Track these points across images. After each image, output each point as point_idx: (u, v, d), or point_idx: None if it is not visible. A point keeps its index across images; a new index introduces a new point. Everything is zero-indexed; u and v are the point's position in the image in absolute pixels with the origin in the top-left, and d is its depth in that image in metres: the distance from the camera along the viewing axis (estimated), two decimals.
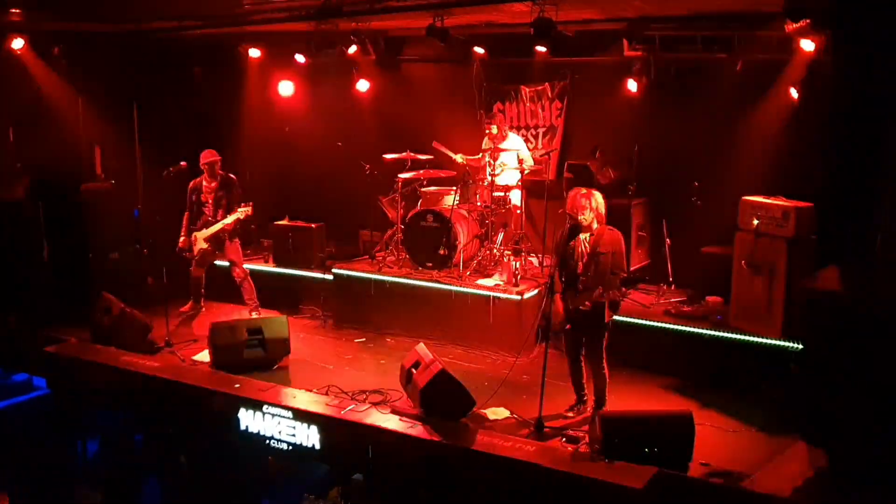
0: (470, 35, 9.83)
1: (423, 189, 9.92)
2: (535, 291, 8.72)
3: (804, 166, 8.10)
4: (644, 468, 5.92)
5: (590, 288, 6.70)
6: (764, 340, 7.58)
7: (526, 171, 9.45)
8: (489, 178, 9.34)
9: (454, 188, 9.42)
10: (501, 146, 9.66)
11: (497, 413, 7.13)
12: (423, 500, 6.70)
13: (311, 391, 7.59)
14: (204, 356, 8.46)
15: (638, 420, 6.36)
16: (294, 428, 7.15)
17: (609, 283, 6.68)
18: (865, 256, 7.25)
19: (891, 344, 5.75)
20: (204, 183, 9.44)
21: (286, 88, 11.16)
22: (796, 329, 7.27)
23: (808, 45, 7.78)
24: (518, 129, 10.58)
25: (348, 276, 9.70)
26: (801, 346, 6.99)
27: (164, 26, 10.00)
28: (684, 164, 9.14)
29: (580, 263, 6.80)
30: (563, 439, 6.61)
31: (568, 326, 6.90)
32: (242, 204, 9.24)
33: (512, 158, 9.59)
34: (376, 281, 9.45)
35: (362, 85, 10.64)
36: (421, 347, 7.30)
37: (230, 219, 9.28)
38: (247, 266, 9.88)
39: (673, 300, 8.88)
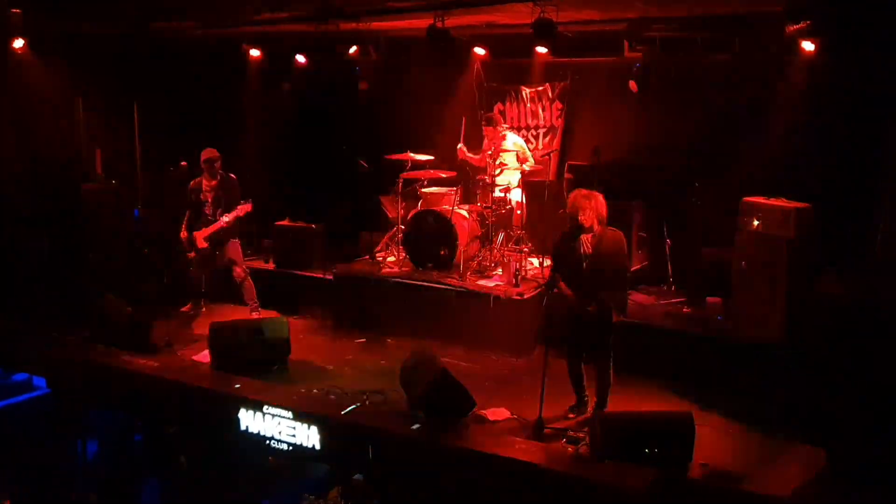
0: (471, 36, 9.83)
1: (423, 189, 9.92)
2: (536, 292, 8.71)
3: (804, 167, 8.13)
4: (645, 469, 5.91)
5: (592, 289, 6.70)
6: (764, 341, 7.56)
7: (527, 170, 9.44)
8: (488, 178, 9.34)
9: (454, 189, 9.41)
10: (501, 146, 9.65)
11: (497, 414, 7.13)
12: (423, 501, 6.68)
13: (311, 391, 7.58)
14: (204, 356, 8.45)
15: (638, 421, 6.36)
16: (294, 428, 7.12)
17: (612, 285, 6.66)
18: (865, 257, 7.27)
19: (891, 344, 5.77)
20: (204, 182, 9.42)
21: (285, 88, 11.14)
22: (796, 330, 7.27)
23: (808, 45, 7.78)
24: (518, 129, 10.56)
25: (349, 277, 9.70)
26: (801, 347, 7.00)
27: (165, 26, 10.00)
28: (684, 164, 9.14)
29: (582, 265, 6.79)
30: (564, 440, 6.60)
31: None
32: (242, 202, 9.24)
33: (512, 158, 9.59)
34: (376, 281, 9.45)
35: (363, 85, 10.62)
36: (421, 348, 7.30)
37: (229, 217, 9.28)
38: (247, 266, 9.88)
39: (673, 301, 8.88)
